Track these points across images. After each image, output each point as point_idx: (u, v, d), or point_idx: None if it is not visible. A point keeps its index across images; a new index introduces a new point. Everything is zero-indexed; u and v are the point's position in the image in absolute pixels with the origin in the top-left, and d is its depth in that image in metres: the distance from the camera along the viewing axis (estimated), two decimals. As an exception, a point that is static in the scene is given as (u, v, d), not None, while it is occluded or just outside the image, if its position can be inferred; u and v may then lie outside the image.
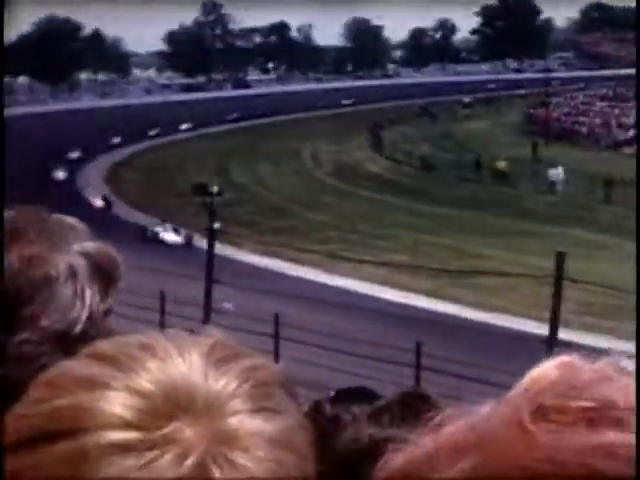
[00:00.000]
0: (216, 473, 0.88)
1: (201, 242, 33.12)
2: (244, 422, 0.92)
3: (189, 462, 0.87)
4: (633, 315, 30.14)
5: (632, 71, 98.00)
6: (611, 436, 0.57)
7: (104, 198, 49.94)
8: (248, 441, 0.91)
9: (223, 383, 0.93)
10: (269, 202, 50.14)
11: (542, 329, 26.06)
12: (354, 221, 45.26)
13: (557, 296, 25.82)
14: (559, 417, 0.60)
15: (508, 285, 32.56)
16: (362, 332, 25.62)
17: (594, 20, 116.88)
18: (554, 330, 25.24)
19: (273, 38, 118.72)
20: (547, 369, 0.65)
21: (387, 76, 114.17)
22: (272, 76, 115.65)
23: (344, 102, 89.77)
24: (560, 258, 27.12)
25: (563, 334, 25.04)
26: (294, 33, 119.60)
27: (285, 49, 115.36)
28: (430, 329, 27.28)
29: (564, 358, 0.65)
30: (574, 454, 0.57)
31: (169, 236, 41.68)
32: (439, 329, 28.03)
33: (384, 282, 34.20)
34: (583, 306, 30.71)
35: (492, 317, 30.17)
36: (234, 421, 0.92)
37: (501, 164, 58.54)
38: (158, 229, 42.20)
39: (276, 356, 22.59)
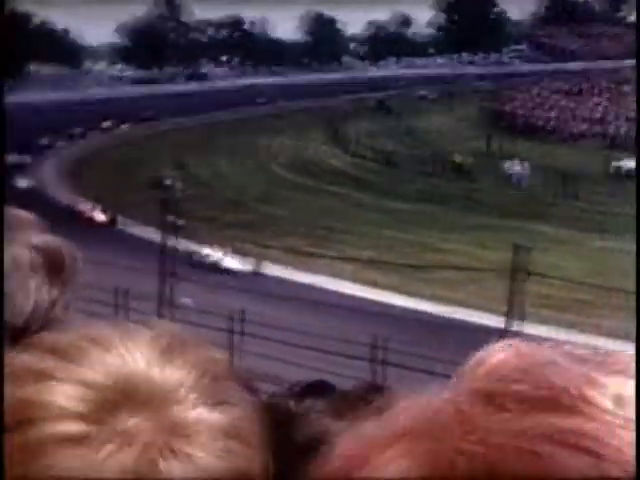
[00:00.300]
0: (161, 463, 0.88)
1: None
2: (190, 412, 0.92)
3: (134, 453, 0.88)
4: (593, 308, 30.32)
5: (588, 64, 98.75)
6: (549, 420, 0.57)
7: (105, 211, 44.25)
8: (194, 431, 0.91)
9: (169, 373, 0.93)
10: (229, 197, 49.75)
11: (502, 322, 26.04)
12: (315, 216, 44.97)
13: (515, 289, 25.85)
14: (499, 401, 0.60)
15: (469, 279, 32.57)
16: (325, 327, 25.49)
17: (551, 13, 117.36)
18: (510, 322, 25.26)
19: (228, 31, 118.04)
20: (491, 353, 0.64)
21: (344, 70, 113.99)
22: (227, 69, 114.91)
23: (301, 95, 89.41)
24: (519, 252, 27.20)
25: (522, 327, 25.01)
26: (249, 26, 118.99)
27: (240, 42, 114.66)
28: (393, 324, 27.17)
29: (509, 343, 0.65)
30: (510, 437, 0.57)
31: (232, 263, 36.71)
32: (401, 323, 27.92)
33: (346, 277, 34.07)
34: (543, 299, 30.70)
35: (453, 311, 30.09)
36: (180, 411, 0.92)
37: (459, 158, 58.47)
38: (213, 254, 37.24)
39: (238, 351, 22.37)
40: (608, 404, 0.58)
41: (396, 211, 46.76)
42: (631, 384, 0.60)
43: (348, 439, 0.65)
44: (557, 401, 0.58)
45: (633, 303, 29.96)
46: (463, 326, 26.88)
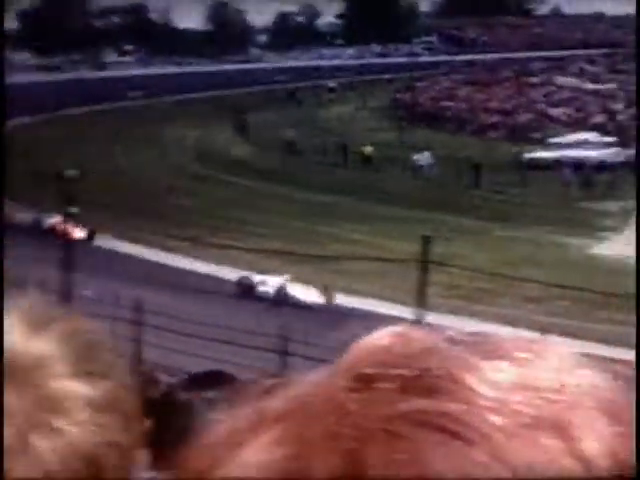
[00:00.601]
0: (31, 438, 0.87)
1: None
2: (65, 386, 0.91)
3: (8, 430, 0.87)
4: (497, 297, 30.55)
5: (496, 56, 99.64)
6: (422, 403, 0.57)
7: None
8: (70, 405, 0.91)
9: (39, 346, 0.92)
10: (131, 188, 49.03)
11: (410, 313, 26.00)
12: (220, 207, 44.57)
13: (422, 279, 25.85)
14: (375, 385, 0.59)
15: (376, 270, 32.47)
16: (229, 318, 25.21)
17: (457, 5, 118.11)
18: (420, 312, 25.22)
19: (131, 19, 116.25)
20: (373, 338, 0.64)
21: (251, 60, 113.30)
22: (130, 59, 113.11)
23: (207, 86, 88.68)
24: (426, 242, 27.20)
25: (431, 317, 24.99)
26: (153, 14, 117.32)
27: (143, 31, 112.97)
28: (299, 315, 27.02)
29: (393, 328, 0.64)
30: (381, 421, 0.57)
31: (303, 294, 31.61)
32: (308, 314, 27.79)
33: (252, 268, 33.74)
34: (450, 289, 30.79)
35: (361, 302, 29.98)
36: (55, 386, 0.91)
37: (367, 149, 58.49)
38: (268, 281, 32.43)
39: (138, 342, 22.00)
40: (483, 388, 0.58)
41: (303, 202, 46.61)
42: (510, 369, 0.60)
43: (220, 426, 0.63)
44: (432, 385, 0.58)
45: (537, 292, 30.36)
46: (372, 317, 26.77)
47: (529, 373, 0.59)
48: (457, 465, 0.54)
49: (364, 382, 0.59)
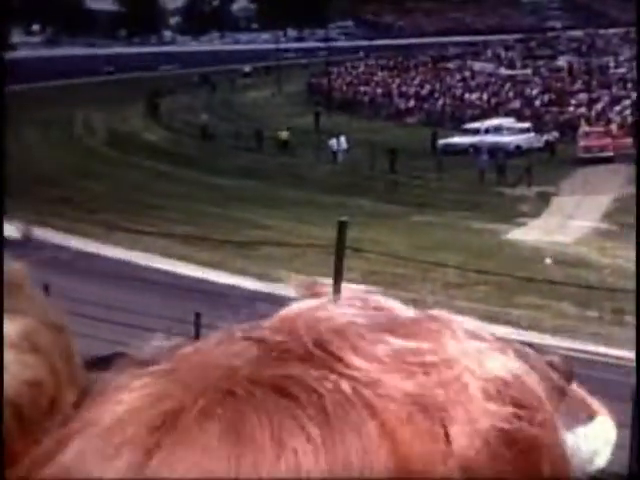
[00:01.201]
0: None
1: None
2: None
3: None
4: (414, 283, 30.38)
5: (413, 41, 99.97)
6: (292, 369, 0.56)
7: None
8: None
9: None
10: (40, 172, 47.96)
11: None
12: (131, 191, 43.85)
13: (339, 265, 25.37)
14: (259, 349, 0.59)
15: (292, 255, 32.13)
16: (141, 304, 24.58)
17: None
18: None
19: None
20: (293, 308, 0.64)
21: (163, 43, 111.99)
22: (38, 39, 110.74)
23: (119, 68, 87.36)
24: (342, 227, 26.75)
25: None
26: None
27: (53, 10, 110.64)
28: (213, 300, 26.48)
29: (328, 299, 0.64)
30: (234, 382, 0.57)
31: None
32: (222, 300, 27.24)
33: (164, 253, 33.10)
34: (367, 275, 30.42)
35: (276, 287, 29.46)
36: None
37: (283, 134, 58.17)
38: None
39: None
40: (357, 361, 0.57)
41: (217, 187, 46.19)
42: (396, 341, 0.59)
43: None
44: (306, 353, 0.58)
45: (456, 278, 30.20)
46: (288, 302, 26.15)
47: (416, 347, 0.59)
48: (276, 427, 0.54)
49: (254, 344, 0.60)
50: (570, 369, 5.52)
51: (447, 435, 0.55)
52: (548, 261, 32.97)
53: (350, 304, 0.62)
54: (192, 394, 0.56)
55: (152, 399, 0.57)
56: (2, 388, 0.87)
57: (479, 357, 0.59)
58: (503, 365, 0.59)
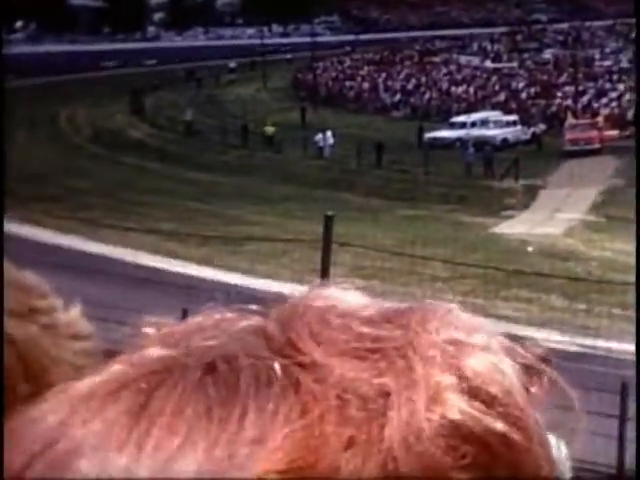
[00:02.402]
0: None
1: None
2: None
3: None
4: (401, 277, 30.29)
5: (399, 35, 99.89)
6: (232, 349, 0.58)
7: None
8: None
9: None
10: (24, 169, 47.71)
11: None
12: (117, 188, 43.64)
13: (326, 260, 25.26)
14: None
15: (278, 251, 31.96)
16: (127, 300, 24.41)
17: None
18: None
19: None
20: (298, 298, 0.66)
21: (147, 39, 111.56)
22: (20, 36, 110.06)
23: (103, 65, 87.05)
24: (328, 222, 26.63)
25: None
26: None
27: (35, 7, 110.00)
28: (200, 296, 26.32)
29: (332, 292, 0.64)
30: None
31: None
32: (209, 296, 27.07)
33: (152, 250, 32.92)
34: (354, 270, 30.30)
35: (262, 283, 29.34)
36: None
37: (269, 129, 58.05)
38: None
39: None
40: (307, 345, 0.57)
41: (201, 182, 46.06)
42: (372, 332, 0.59)
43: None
44: (274, 337, 0.59)
45: (442, 271, 30.11)
46: (275, 298, 26.03)
47: (378, 335, 0.58)
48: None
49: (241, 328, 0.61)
50: (548, 360, 5.39)
51: (379, 425, 0.53)
52: (530, 249, 32.98)
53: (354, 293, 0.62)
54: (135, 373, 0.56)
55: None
56: (2, 388, 0.89)
57: (451, 350, 0.57)
58: (478, 360, 0.57)
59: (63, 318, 1.05)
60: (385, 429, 0.53)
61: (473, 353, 0.57)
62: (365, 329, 0.58)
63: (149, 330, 0.64)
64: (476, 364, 0.57)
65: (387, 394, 0.54)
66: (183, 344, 0.59)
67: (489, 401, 0.55)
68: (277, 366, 0.55)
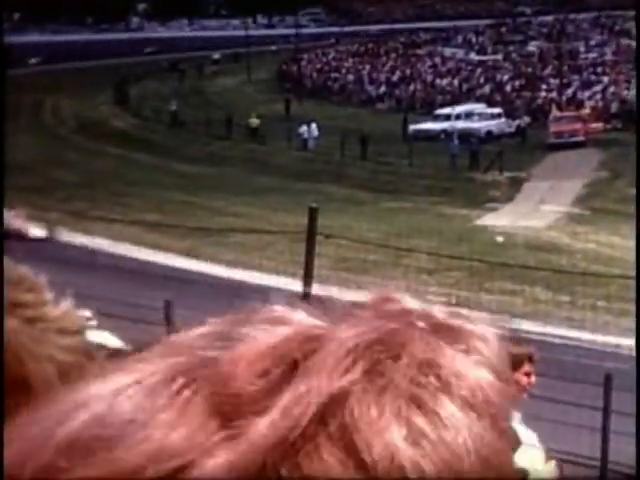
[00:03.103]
0: None
1: None
2: None
3: None
4: (386, 269, 30.27)
5: (384, 27, 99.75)
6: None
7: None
8: None
9: None
10: (7, 159, 47.47)
11: (298, 286, 25.35)
12: (101, 179, 43.48)
13: (310, 252, 25.18)
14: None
15: (263, 242, 31.91)
16: (111, 291, 24.29)
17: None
18: (308, 286, 24.61)
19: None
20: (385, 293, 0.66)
21: (131, 30, 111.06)
22: (4, 26, 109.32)
23: (87, 55, 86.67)
24: (313, 214, 26.54)
25: (320, 290, 24.38)
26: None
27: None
28: (184, 288, 26.23)
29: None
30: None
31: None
32: (193, 288, 27.02)
33: (135, 241, 32.79)
34: (339, 262, 30.26)
35: (247, 275, 29.27)
36: None
37: (253, 121, 57.94)
38: None
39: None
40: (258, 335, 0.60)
41: (185, 174, 45.96)
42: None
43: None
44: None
45: (428, 263, 30.09)
46: (259, 290, 26.04)
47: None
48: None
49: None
50: (528, 354, 5.37)
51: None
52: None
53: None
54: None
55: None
56: (2, 387, 0.89)
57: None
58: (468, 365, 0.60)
59: (52, 312, 1.04)
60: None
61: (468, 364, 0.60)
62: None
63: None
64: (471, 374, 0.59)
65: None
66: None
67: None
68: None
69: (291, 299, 0.63)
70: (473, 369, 0.60)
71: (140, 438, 0.53)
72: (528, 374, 5.31)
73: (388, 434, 0.54)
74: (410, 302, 0.64)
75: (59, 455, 0.54)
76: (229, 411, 0.55)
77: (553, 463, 5.62)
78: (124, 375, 0.57)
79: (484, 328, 0.64)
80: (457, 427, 0.56)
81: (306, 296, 20.66)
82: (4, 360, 0.91)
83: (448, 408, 0.57)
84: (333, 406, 0.55)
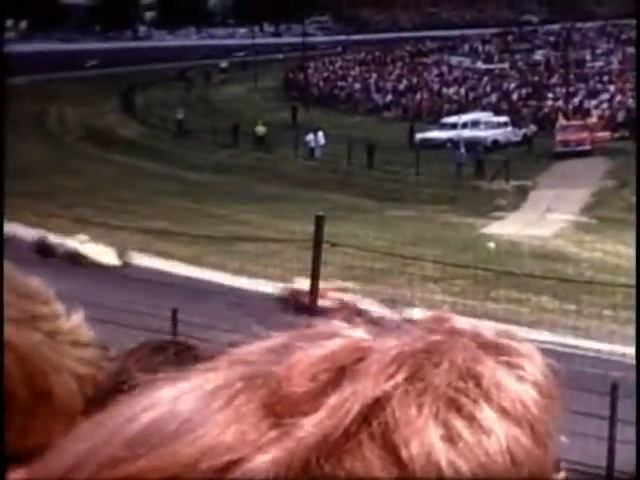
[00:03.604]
0: None
1: None
2: None
3: None
4: (392, 277, 30.24)
5: (391, 35, 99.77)
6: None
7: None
8: None
9: None
10: (14, 166, 47.50)
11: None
12: (107, 186, 43.48)
13: (317, 260, 25.14)
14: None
15: (269, 251, 31.89)
16: (117, 299, 24.30)
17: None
18: (315, 294, 24.57)
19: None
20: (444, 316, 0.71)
21: (139, 38, 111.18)
22: (11, 34, 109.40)
23: (92, 63, 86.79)
24: (319, 222, 26.52)
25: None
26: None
27: (26, 5, 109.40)
28: (190, 296, 26.23)
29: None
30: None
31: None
32: (199, 296, 27.01)
33: (141, 249, 32.76)
34: (345, 270, 30.22)
35: (253, 283, 29.26)
36: None
37: (260, 129, 57.92)
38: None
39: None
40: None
41: (192, 182, 45.94)
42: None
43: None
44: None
45: (433, 272, 30.06)
46: (265, 298, 26.10)
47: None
48: None
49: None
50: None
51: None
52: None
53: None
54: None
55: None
56: (2, 387, 0.91)
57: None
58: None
59: (65, 325, 1.06)
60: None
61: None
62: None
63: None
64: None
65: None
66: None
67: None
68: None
69: (347, 314, 0.67)
70: (515, 382, 0.62)
71: (197, 435, 0.59)
72: None
73: (425, 433, 0.58)
74: (460, 321, 0.68)
75: (124, 449, 0.60)
76: (281, 412, 0.59)
77: (562, 474, 5.60)
78: (188, 382, 0.64)
79: (529, 346, 0.66)
80: (494, 431, 0.59)
81: (313, 304, 20.66)
82: (4, 362, 0.91)
83: (486, 413, 0.60)
84: (376, 407, 0.59)
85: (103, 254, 31.12)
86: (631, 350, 19.19)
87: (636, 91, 56.22)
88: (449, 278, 29.36)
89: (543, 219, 38.35)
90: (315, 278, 25.42)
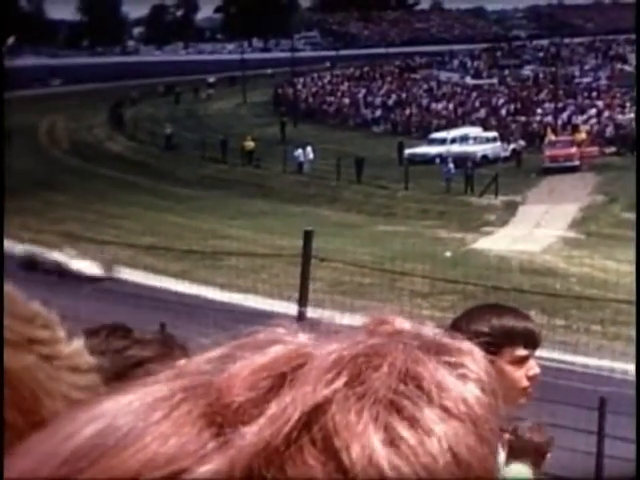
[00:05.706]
0: None
1: None
2: None
3: None
4: (381, 292, 30.19)
5: (379, 50, 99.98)
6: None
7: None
8: None
9: None
10: (5, 182, 47.46)
11: (292, 309, 25.28)
12: (95, 201, 43.42)
13: (305, 275, 25.09)
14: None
15: (257, 265, 31.84)
16: (105, 314, 24.17)
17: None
18: (303, 309, 24.50)
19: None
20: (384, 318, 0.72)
21: (127, 53, 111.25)
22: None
23: (82, 78, 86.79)
24: (308, 237, 26.46)
25: (314, 313, 24.30)
26: (24, 4, 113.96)
27: (13, 20, 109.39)
28: (178, 311, 26.15)
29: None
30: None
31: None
32: (186, 311, 26.93)
33: (129, 263, 32.67)
34: (334, 285, 30.19)
35: (241, 298, 29.17)
36: None
37: (248, 144, 57.93)
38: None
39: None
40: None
41: (180, 197, 45.88)
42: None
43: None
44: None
45: (422, 287, 30.02)
46: (254, 313, 26.00)
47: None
48: None
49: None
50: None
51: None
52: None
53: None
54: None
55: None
56: (2, 387, 0.90)
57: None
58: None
59: (65, 350, 1.06)
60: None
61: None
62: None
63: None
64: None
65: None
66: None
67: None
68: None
69: (288, 322, 0.67)
70: (457, 381, 0.63)
71: (137, 448, 0.58)
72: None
73: (366, 437, 0.58)
74: (403, 323, 0.68)
75: (65, 465, 0.59)
76: (222, 421, 0.59)
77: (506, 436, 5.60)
78: (129, 394, 0.63)
79: (471, 345, 0.67)
80: (435, 431, 0.59)
81: (300, 319, 20.63)
82: (3, 362, 0.92)
83: (427, 414, 0.60)
84: (316, 413, 0.59)
85: (90, 269, 31.16)
86: (620, 365, 19.18)
87: (636, 107, 56.37)
88: (438, 293, 29.33)
89: (532, 234, 38.35)
90: (303, 293, 25.38)
